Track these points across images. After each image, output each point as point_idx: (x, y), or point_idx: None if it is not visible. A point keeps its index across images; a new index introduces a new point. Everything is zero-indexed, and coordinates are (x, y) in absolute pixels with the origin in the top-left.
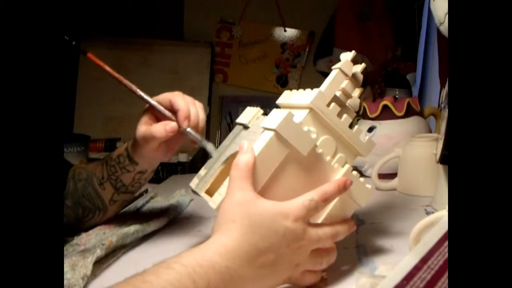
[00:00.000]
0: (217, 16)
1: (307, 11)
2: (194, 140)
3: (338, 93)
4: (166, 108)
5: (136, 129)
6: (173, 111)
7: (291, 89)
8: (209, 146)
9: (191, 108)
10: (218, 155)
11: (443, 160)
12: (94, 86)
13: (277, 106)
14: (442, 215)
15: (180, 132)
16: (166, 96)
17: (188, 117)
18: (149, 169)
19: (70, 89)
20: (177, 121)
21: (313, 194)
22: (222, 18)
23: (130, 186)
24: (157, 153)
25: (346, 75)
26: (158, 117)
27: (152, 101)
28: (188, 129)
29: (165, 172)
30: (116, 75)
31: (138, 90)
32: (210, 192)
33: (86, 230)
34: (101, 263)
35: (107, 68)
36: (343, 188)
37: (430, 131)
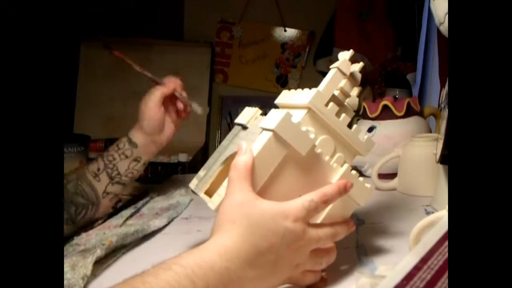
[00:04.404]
0: (217, 16)
1: (307, 11)
2: (184, 103)
3: (336, 93)
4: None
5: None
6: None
7: (290, 89)
8: (194, 105)
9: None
10: (217, 155)
11: (443, 160)
12: (94, 86)
13: (277, 106)
14: (442, 215)
15: (172, 105)
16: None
17: (175, 83)
18: (144, 157)
19: (70, 89)
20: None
21: (313, 195)
22: (222, 18)
23: (124, 176)
24: (156, 118)
25: (344, 74)
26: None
27: (149, 74)
28: (177, 92)
29: (165, 172)
30: (128, 61)
31: (141, 68)
32: (210, 192)
33: (86, 230)
34: (101, 263)
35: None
36: (344, 190)
37: (430, 131)
